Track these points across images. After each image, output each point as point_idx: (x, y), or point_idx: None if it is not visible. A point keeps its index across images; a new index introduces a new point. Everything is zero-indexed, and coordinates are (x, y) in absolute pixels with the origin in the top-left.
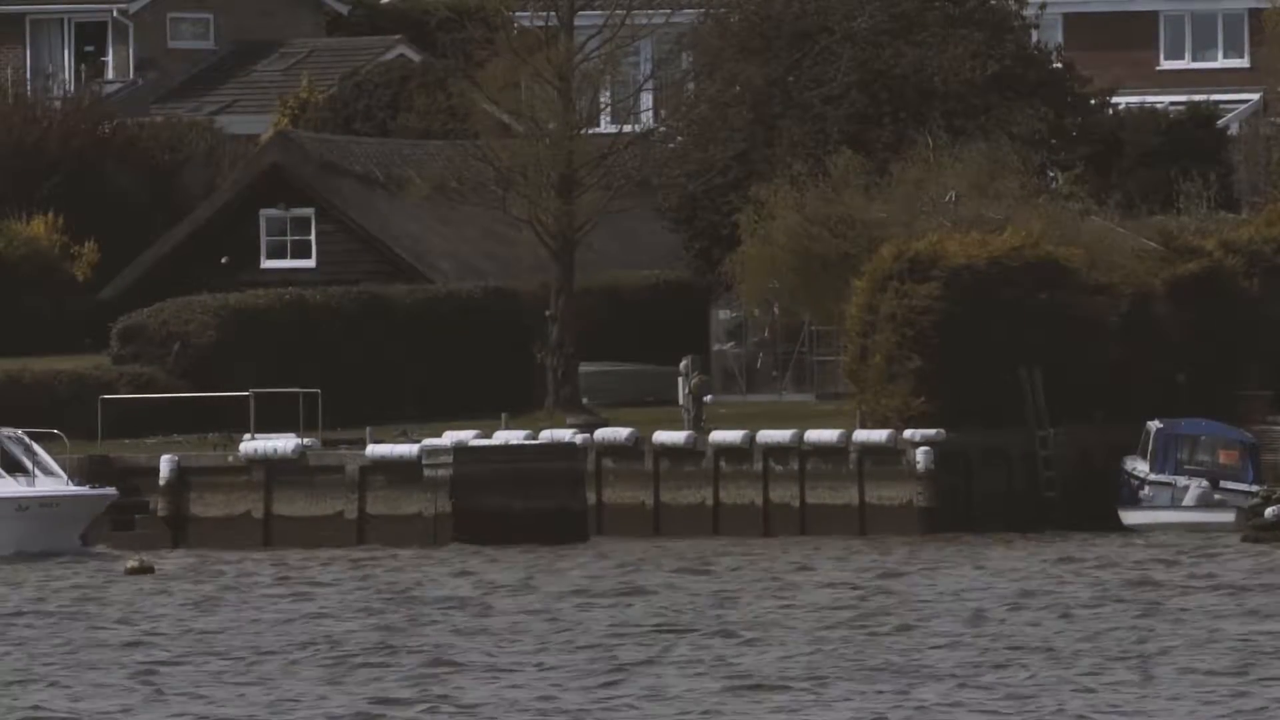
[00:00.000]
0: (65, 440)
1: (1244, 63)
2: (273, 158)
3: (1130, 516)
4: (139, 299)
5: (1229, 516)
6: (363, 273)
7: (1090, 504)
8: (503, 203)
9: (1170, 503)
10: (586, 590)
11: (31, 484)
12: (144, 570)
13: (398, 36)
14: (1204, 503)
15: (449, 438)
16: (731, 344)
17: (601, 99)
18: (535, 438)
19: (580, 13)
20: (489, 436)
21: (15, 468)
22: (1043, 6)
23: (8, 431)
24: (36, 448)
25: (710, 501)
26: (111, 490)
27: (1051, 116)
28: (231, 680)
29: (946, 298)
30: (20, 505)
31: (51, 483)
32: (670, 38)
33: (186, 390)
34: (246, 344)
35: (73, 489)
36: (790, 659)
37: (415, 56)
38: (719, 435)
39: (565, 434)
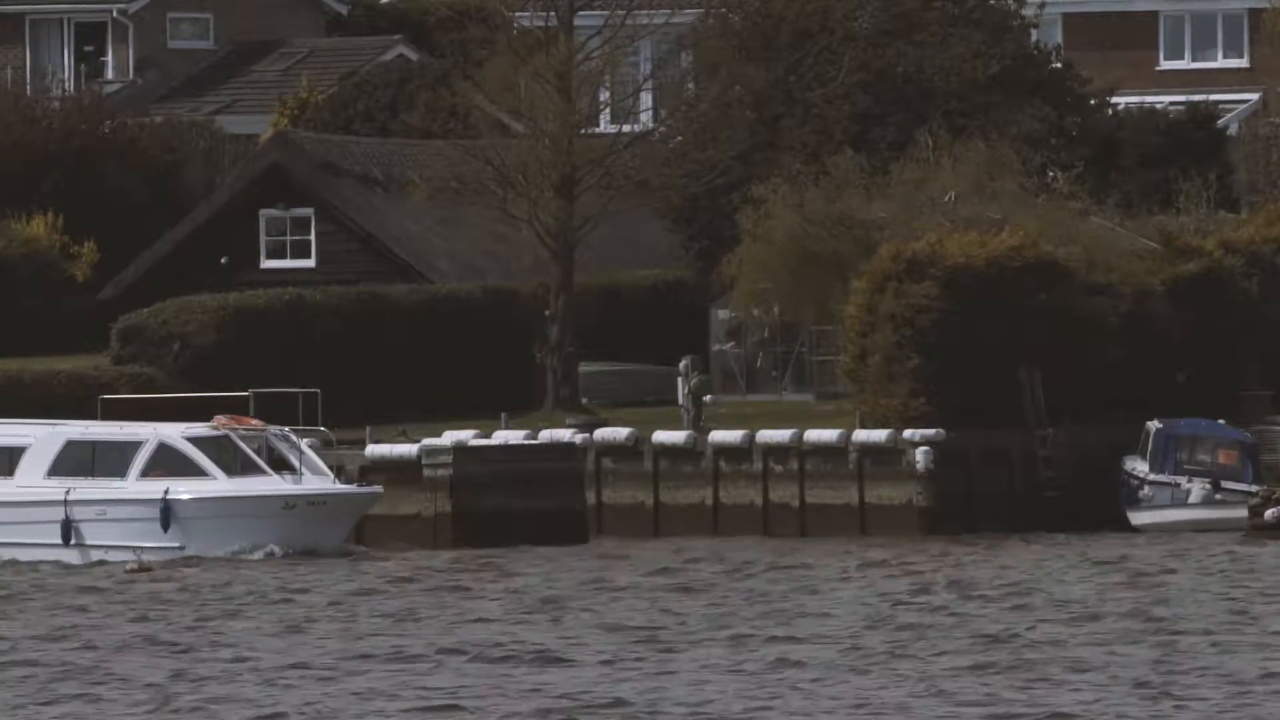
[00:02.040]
0: (331, 436)
1: (1244, 63)
2: (272, 158)
3: (1139, 517)
4: (139, 299)
5: (1240, 513)
6: (362, 273)
7: (1090, 504)
8: (503, 203)
9: (1170, 503)
10: None
11: (298, 482)
12: (144, 570)
13: (397, 36)
14: (1207, 503)
15: (449, 438)
16: (731, 344)
17: (601, 99)
18: (535, 438)
19: (580, 13)
20: (489, 436)
21: (282, 465)
22: (1042, 6)
23: (274, 429)
24: (304, 445)
25: (710, 501)
26: (378, 489)
27: (1051, 116)
28: None
29: (945, 298)
30: (287, 503)
31: (318, 481)
32: (670, 38)
33: (186, 390)
34: (246, 344)
35: (340, 487)
36: None
37: (415, 56)
38: (719, 435)
39: (565, 434)
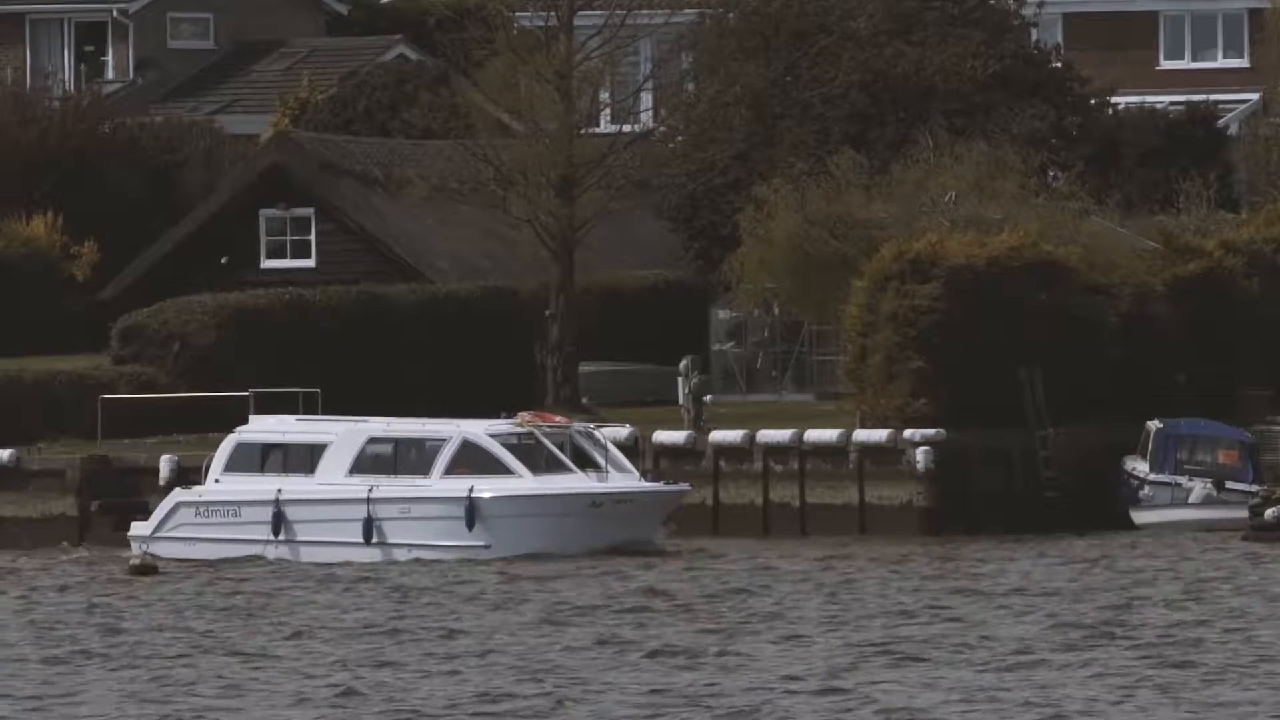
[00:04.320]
0: (636, 432)
1: (1244, 63)
2: (273, 158)
3: (1142, 516)
4: (139, 299)
5: (1241, 513)
6: (362, 273)
7: (1090, 504)
8: (503, 203)
9: (1171, 503)
10: None
11: (604, 480)
12: (147, 568)
13: (398, 36)
14: (1208, 503)
15: None
16: (731, 344)
17: (601, 99)
18: None
19: (580, 13)
20: None
21: (587, 463)
22: (1042, 6)
23: (578, 426)
24: (609, 444)
25: (710, 501)
26: (685, 486)
27: (1052, 116)
28: None
29: (946, 298)
30: (594, 502)
31: (624, 478)
32: (670, 38)
33: (186, 390)
34: (246, 344)
35: (647, 485)
36: None
37: (415, 56)
38: (719, 435)
39: None
